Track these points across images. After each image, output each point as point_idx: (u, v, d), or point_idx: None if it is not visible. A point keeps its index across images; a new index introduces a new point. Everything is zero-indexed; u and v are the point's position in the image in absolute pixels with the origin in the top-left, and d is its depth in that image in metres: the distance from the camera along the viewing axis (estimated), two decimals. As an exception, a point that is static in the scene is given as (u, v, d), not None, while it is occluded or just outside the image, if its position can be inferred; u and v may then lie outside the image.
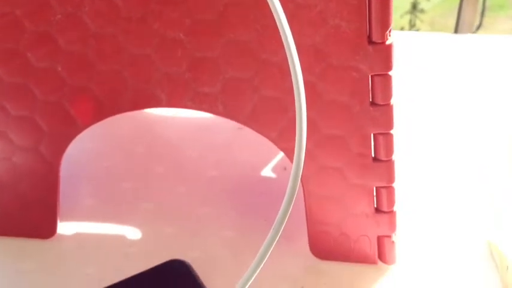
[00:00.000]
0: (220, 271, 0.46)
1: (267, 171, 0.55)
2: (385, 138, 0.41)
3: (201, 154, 0.57)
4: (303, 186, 0.45)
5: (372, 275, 0.46)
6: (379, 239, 0.45)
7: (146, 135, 0.59)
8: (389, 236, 0.45)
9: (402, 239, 0.47)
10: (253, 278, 0.37)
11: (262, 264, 0.37)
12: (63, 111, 0.44)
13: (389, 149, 0.42)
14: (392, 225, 0.44)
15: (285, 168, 0.55)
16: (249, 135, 0.60)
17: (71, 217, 0.51)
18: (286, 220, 0.35)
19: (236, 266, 0.48)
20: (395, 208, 0.44)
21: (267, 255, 0.36)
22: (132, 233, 0.51)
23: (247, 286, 0.37)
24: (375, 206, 0.44)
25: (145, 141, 0.58)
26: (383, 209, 0.44)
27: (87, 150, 0.58)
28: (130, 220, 0.51)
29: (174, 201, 0.53)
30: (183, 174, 0.56)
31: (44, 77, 0.43)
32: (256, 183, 0.55)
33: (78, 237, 0.51)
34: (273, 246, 0.36)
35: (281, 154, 0.56)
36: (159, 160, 0.57)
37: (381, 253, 0.45)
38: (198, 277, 0.46)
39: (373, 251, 0.45)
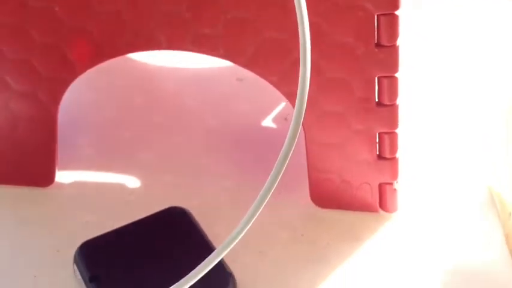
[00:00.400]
0: (219, 219, 0.46)
1: (268, 122, 0.54)
2: (390, 81, 0.40)
3: (200, 105, 0.56)
4: (304, 132, 0.44)
5: (373, 222, 0.45)
6: (381, 186, 0.45)
7: (145, 85, 0.58)
8: (391, 184, 0.44)
9: (404, 186, 0.46)
10: (250, 224, 0.37)
11: (259, 210, 0.36)
12: (60, 54, 0.43)
13: (393, 93, 0.41)
14: (394, 173, 0.44)
15: (285, 119, 0.54)
16: (249, 86, 0.60)
17: (70, 166, 0.51)
18: (286, 164, 0.35)
19: (235, 215, 0.46)
20: (397, 155, 0.43)
21: (266, 200, 0.36)
22: (132, 181, 0.51)
23: (244, 232, 0.37)
24: (377, 152, 0.43)
25: (144, 92, 0.57)
26: (385, 155, 0.43)
27: (85, 100, 0.57)
28: (129, 169, 0.51)
29: (173, 151, 0.52)
30: (182, 124, 0.55)
31: (41, 18, 0.42)
32: (257, 134, 0.54)
33: (77, 185, 0.50)
34: (273, 190, 0.36)
35: (282, 105, 0.56)
36: (158, 110, 0.56)
37: (383, 201, 0.45)
38: (198, 224, 0.46)
39: (374, 198, 0.45)
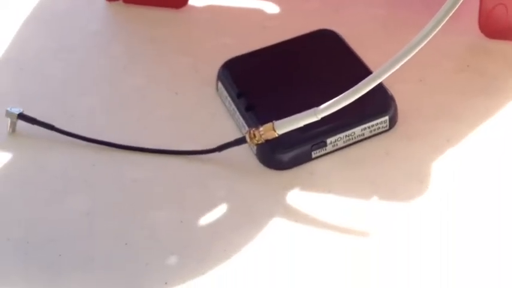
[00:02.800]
0: (372, 46, 0.41)
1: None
2: None
3: None
4: None
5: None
6: None
7: None
8: None
9: None
10: (419, 47, 0.33)
11: (430, 36, 0.32)
12: None
13: None
14: None
15: None
16: None
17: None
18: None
19: (388, 42, 0.42)
20: None
21: (438, 27, 0.31)
22: (270, 7, 0.46)
23: (412, 53, 0.33)
24: None
25: None
26: None
27: None
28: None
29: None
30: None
31: None
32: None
33: (211, 8, 0.46)
34: (448, 17, 0.31)
35: None
36: None
37: None
38: (350, 47, 0.42)
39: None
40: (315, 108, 0.33)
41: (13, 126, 0.37)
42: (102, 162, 0.37)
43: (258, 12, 0.46)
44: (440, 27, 0.31)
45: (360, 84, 0.33)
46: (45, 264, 0.32)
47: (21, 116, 0.37)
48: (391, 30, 0.44)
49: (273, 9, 0.46)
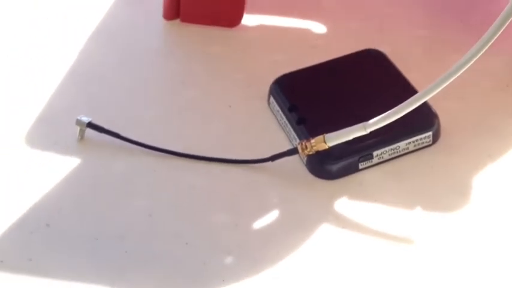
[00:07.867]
0: (413, 64, 0.44)
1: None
2: None
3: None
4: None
5: None
6: None
7: None
8: None
9: None
10: (460, 72, 0.35)
11: (472, 61, 0.34)
12: None
13: None
14: None
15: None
16: None
17: (256, 10, 0.49)
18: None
19: (430, 62, 0.45)
20: None
21: (483, 50, 0.34)
22: (317, 27, 0.49)
23: (460, 71, 0.35)
24: None
25: None
26: None
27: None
28: (315, 15, 0.49)
29: None
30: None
31: None
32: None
33: (263, 28, 0.49)
34: (494, 39, 0.33)
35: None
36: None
37: None
38: (395, 66, 0.44)
39: None
40: (365, 123, 0.36)
41: (82, 133, 0.41)
42: (162, 169, 0.40)
43: (306, 32, 0.49)
44: (486, 49, 0.34)
45: (407, 101, 0.35)
46: (112, 259, 0.35)
47: (90, 125, 0.41)
48: (433, 50, 0.46)
49: (321, 29, 0.49)
